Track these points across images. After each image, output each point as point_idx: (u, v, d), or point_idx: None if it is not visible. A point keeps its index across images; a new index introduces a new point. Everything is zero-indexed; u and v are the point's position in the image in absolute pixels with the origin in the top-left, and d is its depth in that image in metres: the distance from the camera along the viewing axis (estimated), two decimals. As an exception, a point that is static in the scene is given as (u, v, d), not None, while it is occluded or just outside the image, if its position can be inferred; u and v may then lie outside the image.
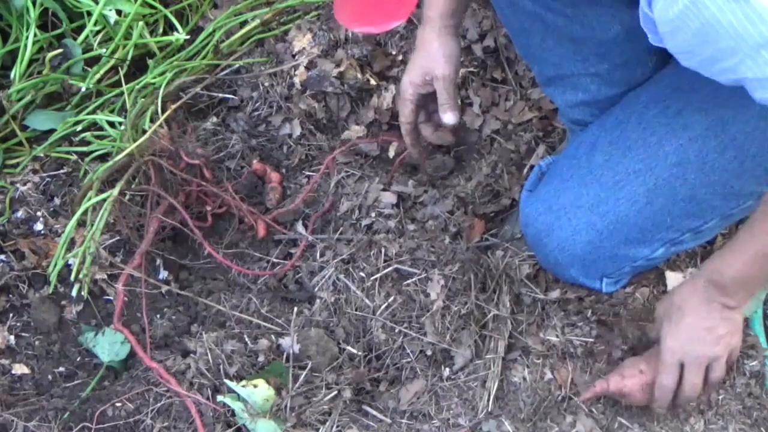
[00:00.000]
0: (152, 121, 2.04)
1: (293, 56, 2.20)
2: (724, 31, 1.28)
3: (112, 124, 2.09)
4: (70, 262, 1.96)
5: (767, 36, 1.26)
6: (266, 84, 2.18)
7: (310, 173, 2.09)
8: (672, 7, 1.30)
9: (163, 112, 2.00)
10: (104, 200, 1.94)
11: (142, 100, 2.08)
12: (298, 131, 2.16)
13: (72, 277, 1.94)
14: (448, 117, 1.89)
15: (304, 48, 2.19)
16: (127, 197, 1.96)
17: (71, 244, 1.98)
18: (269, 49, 2.23)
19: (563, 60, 1.78)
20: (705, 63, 1.37)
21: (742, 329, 1.76)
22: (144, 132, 1.97)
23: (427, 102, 1.93)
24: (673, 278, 1.92)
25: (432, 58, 1.87)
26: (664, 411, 1.77)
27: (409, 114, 1.93)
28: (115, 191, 1.93)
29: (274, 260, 2.00)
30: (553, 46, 1.75)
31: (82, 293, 1.95)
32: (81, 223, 1.97)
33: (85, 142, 2.10)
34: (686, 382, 1.71)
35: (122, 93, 2.10)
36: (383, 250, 1.91)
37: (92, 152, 2.08)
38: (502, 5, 1.81)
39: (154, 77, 2.13)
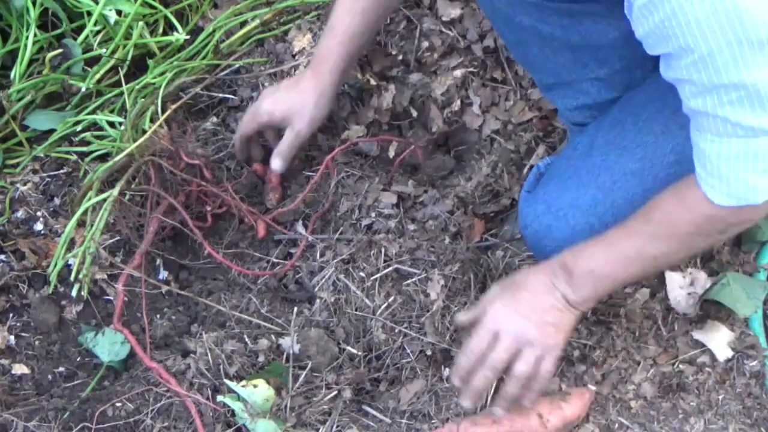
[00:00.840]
0: (152, 121, 2.04)
1: (293, 56, 2.20)
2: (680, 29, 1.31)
3: (112, 124, 2.09)
4: (70, 262, 1.96)
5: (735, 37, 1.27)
6: (266, 84, 2.18)
7: (310, 173, 2.09)
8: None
9: (163, 112, 2.01)
10: (104, 200, 1.94)
11: (142, 100, 2.08)
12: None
13: (72, 277, 1.94)
14: (276, 164, 2.00)
15: (304, 48, 2.19)
16: (127, 197, 1.96)
17: (71, 244, 1.98)
18: (269, 49, 2.23)
19: (562, 68, 1.78)
20: (665, 57, 1.40)
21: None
22: (144, 132, 1.97)
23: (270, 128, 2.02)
24: (672, 278, 1.92)
25: (302, 109, 1.94)
26: (457, 383, 1.69)
27: (249, 131, 2.02)
28: (115, 191, 1.93)
29: (274, 260, 2.00)
30: (551, 56, 1.75)
31: (82, 293, 1.95)
32: (81, 223, 1.97)
33: (85, 142, 2.10)
34: (494, 354, 1.63)
35: (122, 93, 2.10)
36: (383, 250, 1.91)
37: (92, 152, 2.08)
38: (497, 20, 1.81)
39: (154, 77, 2.13)
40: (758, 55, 1.30)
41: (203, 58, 2.19)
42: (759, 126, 1.36)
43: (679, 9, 1.30)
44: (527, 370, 1.64)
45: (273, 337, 1.87)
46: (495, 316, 1.65)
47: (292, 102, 1.98)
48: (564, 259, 1.64)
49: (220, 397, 1.75)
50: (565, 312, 1.64)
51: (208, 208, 2.00)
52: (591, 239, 1.64)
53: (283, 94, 2.00)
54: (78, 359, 1.93)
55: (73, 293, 1.95)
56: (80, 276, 1.93)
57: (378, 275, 1.89)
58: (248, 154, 2.09)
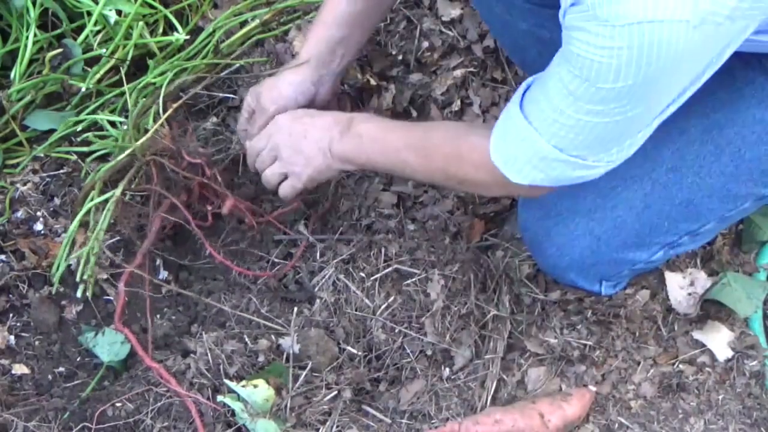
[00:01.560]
0: (154, 120, 2.03)
1: (293, 56, 2.19)
2: None
3: (113, 124, 2.09)
4: (70, 263, 1.96)
5: None
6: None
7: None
8: None
9: (163, 111, 2.00)
10: (106, 200, 1.94)
11: (143, 100, 2.08)
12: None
13: (77, 278, 1.94)
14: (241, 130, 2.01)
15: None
16: (128, 197, 1.96)
17: (73, 244, 1.98)
18: (269, 49, 2.23)
19: None
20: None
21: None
22: (146, 131, 1.97)
23: None
24: (672, 278, 1.92)
25: (283, 100, 1.92)
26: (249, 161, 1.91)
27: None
28: (118, 191, 1.93)
29: (275, 260, 2.00)
30: (549, 59, 1.75)
31: (87, 294, 1.95)
32: (82, 224, 1.97)
33: (85, 142, 2.10)
34: (262, 155, 1.86)
35: (122, 93, 2.10)
36: (383, 250, 1.91)
37: (93, 152, 2.08)
38: (494, 24, 1.81)
39: (155, 77, 2.13)
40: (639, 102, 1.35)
41: (203, 58, 2.19)
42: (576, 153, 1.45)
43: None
44: (270, 181, 1.88)
45: (273, 337, 1.87)
46: (275, 125, 1.84)
47: (297, 94, 1.93)
48: (353, 116, 1.78)
49: (220, 397, 1.75)
50: (322, 155, 1.78)
51: (209, 208, 1.99)
52: (385, 121, 1.83)
53: (278, 82, 1.94)
54: (78, 359, 1.93)
55: (78, 294, 1.95)
56: (85, 277, 1.93)
57: (378, 275, 1.89)
58: None
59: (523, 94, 1.50)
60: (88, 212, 1.95)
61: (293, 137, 1.81)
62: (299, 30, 2.21)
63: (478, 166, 1.58)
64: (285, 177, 1.86)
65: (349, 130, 1.76)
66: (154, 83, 2.13)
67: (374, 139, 1.74)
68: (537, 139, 1.46)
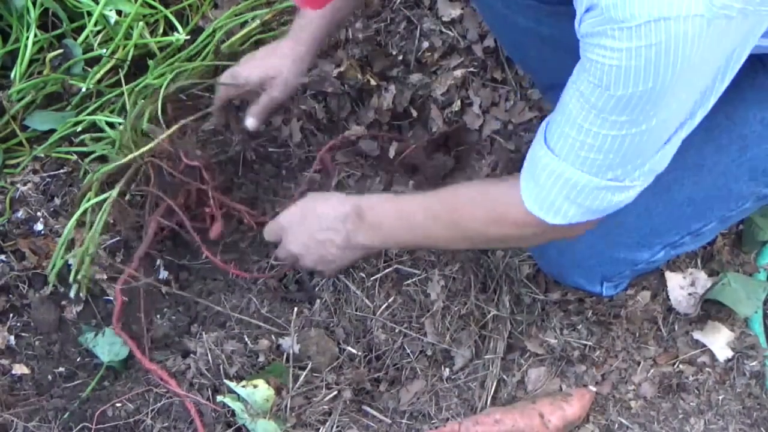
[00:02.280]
0: (151, 122, 2.03)
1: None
2: None
3: (111, 125, 2.09)
4: (70, 262, 1.96)
5: None
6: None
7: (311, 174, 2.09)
8: None
9: (163, 113, 2.00)
10: (103, 201, 1.93)
11: (142, 101, 2.08)
12: (298, 132, 2.16)
13: (71, 278, 1.94)
14: (250, 122, 2.00)
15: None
16: (127, 198, 1.96)
17: (71, 244, 1.98)
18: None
19: (561, 69, 1.77)
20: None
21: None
22: (143, 133, 1.96)
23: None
24: (673, 279, 1.92)
25: (278, 75, 1.94)
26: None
27: (227, 97, 2.01)
28: (115, 192, 1.92)
29: (273, 261, 2.00)
30: (549, 57, 1.75)
31: (81, 294, 1.95)
32: (81, 224, 1.97)
33: (86, 143, 2.10)
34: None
35: (122, 93, 2.10)
36: (383, 250, 1.91)
37: (92, 152, 2.08)
38: (494, 22, 1.81)
39: (155, 78, 2.13)
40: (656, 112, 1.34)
41: (203, 58, 2.19)
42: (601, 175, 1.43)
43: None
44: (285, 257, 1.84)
45: (273, 337, 1.87)
46: (290, 241, 1.79)
47: (269, 68, 1.96)
48: (360, 205, 1.72)
49: (220, 398, 1.75)
50: (345, 250, 1.75)
51: (207, 210, 1.99)
52: (387, 195, 1.78)
53: (259, 60, 1.98)
54: (78, 359, 1.92)
55: (72, 294, 1.95)
56: (78, 277, 1.93)
57: (378, 275, 1.89)
58: (226, 120, 2.08)
59: (545, 131, 1.48)
60: (85, 213, 1.95)
61: (312, 249, 1.78)
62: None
63: (519, 223, 1.54)
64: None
65: (362, 220, 1.71)
66: (154, 84, 2.13)
67: (394, 224, 1.70)
68: (567, 170, 1.44)
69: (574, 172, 1.44)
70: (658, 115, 1.35)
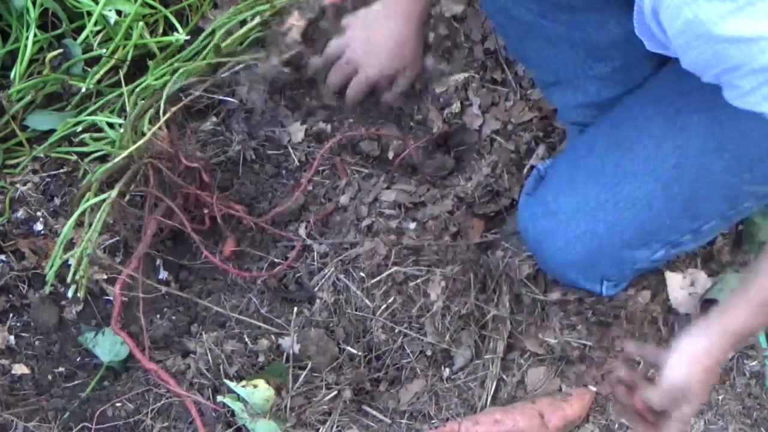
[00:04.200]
0: (151, 122, 2.03)
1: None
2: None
3: (111, 126, 2.09)
4: (70, 262, 1.96)
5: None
6: (266, 84, 2.18)
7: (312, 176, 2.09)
8: (675, 21, 1.29)
9: (162, 114, 2.00)
10: (102, 201, 1.93)
11: (142, 101, 2.08)
12: (298, 133, 2.16)
13: (69, 279, 1.94)
14: (387, 96, 2.01)
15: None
16: (126, 198, 1.96)
17: (70, 244, 1.98)
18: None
19: (562, 65, 1.78)
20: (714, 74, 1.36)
21: None
22: (143, 134, 1.97)
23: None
24: (673, 279, 1.92)
25: (409, 58, 1.96)
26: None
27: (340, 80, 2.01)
28: (114, 193, 1.92)
29: (274, 260, 2.00)
30: (551, 53, 1.75)
31: (78, 295, 1.94)
32: (80, 224, 1.97)
33: (85, 143, 2.10)
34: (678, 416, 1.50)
35: (122, 94, 2.10)
36: (383, 250, 1.91)
37: (92, 153, 2.08)
38: (496, 16, 1.81)
39: (156, 78, 2.13)
40: None
41: (203, 58, 2.19)
42: None
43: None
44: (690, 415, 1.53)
45: (273, 337, 1.87)
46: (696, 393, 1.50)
47: (397, 61, 1.98)
48: (721, 334, 1.51)
49: (220, 398, 1.75)
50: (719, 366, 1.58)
51: (206, 211, 1.99)
52: (729, 303, 1.55)
53: (388, 58, 1.99)
54: (78, 359, 1.93)
55: (70, 294, 1.95)
56: (77, 277, 1.93)
57: (378, 275, 1.89)
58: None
59: None
60: (83, 213, 1.95)
61: (705, 380, 1.50)
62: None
63: None
64: None
65: (732, 346, 1.52)
66: (154, 85, 2.13)
67: (754, 323, 1.52)
68: None
69: None
70: None
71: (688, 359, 1.50)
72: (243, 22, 2.24)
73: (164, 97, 2.02)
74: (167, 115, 1.96)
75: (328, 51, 2.03)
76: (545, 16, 1.68)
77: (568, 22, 1.68)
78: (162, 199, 1.92)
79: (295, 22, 2.08)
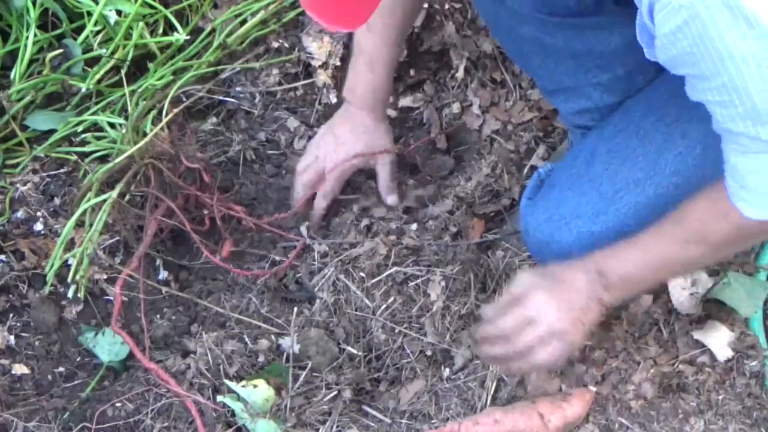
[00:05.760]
0: (153, 123, 2.03)
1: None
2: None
3: (112, 125, 2.09)
4: (70, 262, 1.96)
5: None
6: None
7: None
8: (670, 20, 1.30)
9: (165, 114, 2.00)
10: (103, 202, 1.93)
11: (144, 102, 2.08)
12: (298, 132, 2.17)
13: (69, 279, 1.94)
14: (392, 199, 2.03)
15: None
16: (127, 198, 1.96)
17: (71, 244, 1.98)
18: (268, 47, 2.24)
19: (564, 75, 1.78)
20: (691, 78, 1.40)
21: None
22: (145, 134, 1.97)
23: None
24: (673, 280, 1.92)
25: (377, 139, 1.98)
26: (475, 341, 1.75)
27: (338, 190, 2.03)
28: (115, 193, 1.92)
29: (275, 257, 2.00)
30: (553, 65, 1.75)
31: (79, 295, 1.94)
32: (80, 224, 1.97)
33: (85, 143, 2.10)
34: (524, 337, 1.64)
35: (124, 94, 2.10)
36: (383, 250, 1.91)
37: (92, 152, 2.08)
38: (498, 30, 1.81)
39: (158, 79, 2.13)
40: None
41: (207, 58, 2.19)
42: None
43: (709, 41, 1.29)
44: (549, 360, 1.66)
45: (273, 337, 1.87)
46: (536, 304, 1.65)
47: (371, 146, 2.01)
48: (598, 262, 1.64)
49: (220, 397, 1.75)
50: (596, 312, 1.66)
51: (206, 212, 1.99)
52: (623, 242, 1.64)
53: (356, 144, 2.01)
54: (78, 359, 1.93)
55: (70, 294, 1.95)
56: (77, 278, 1.93)
57: (378, 275, 1.89)
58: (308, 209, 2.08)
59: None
60: (84, 213, 1.95)
61: (566, 312, 1.64)
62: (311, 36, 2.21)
63: (747, 227, 1.50)
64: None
65: (607, 280, 1.63)
66: (155, 85, 2.13)
67: (639, 268, 1.62)
68: (758, 160, 1.41)
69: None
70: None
71: (533, 274, 1.69)
72: (243, 22, 2.24)
73: (168, 97, 2.02)
74: (170, 116, 1.96)
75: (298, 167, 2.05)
76: (548, 32, 1.68)
77: (571, 38, 1.68)
78: (162, 200, 1.92)
79: None
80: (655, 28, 1.35)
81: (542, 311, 1.65)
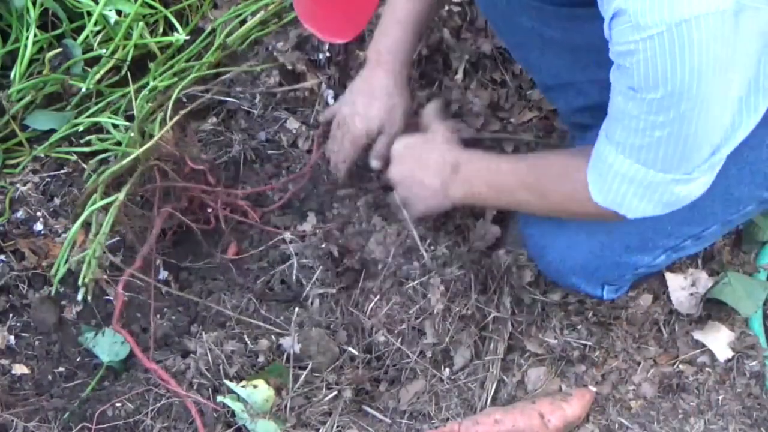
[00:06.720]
0: (158, 125, 2.03)
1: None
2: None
3: (115, 126, 2.09)
4: (71, 264, 1.96)
5: None
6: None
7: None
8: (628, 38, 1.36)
9: (169, 117, 2.00)
10: (109, 204, 1.93)
11: (148, 104, 2.08)
12: (299, 132, 2.17)
13: (79, 282, 1.93)
14: (376, 164, 1.99)
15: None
16: (129, 200, 1.96)
17: (72, 245, 1.97)
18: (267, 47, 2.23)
19: (563, 69, 1.78)
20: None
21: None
22: (151, 136, 1.96)
23: None
24: (674, 279, 1.92)
25: (393, 115, 1.95)
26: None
27: (353, 160, 2.00)
28: (122, 195, 1.92)
29: (275, 257, 2.00)
30: (552, 58, 1.75)
31: (88, 297, 1.95)
32: (82, 224, 1.97)
33: (86, 143, 2.10)
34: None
35: (124, 95, 2.10)
36: (383, 250, 1.91)
37: (93, 152, 2.08)
38: (497, 22, 1.81)
39: (161, 81, 2.13)
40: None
41: (207, 58, 2.19)
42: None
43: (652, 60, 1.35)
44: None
45: (273, 337, 1.87)
46: (395, 169, 1.87)
47: (381, 112, 1.96)
48: (459, 159, 1.80)
49: (220, 398, 1.75)
50: (436, 197, 1.82)
51: (210, 211, 1.99)
52: (487, 155, 1.84)
53: (367, 108, 1.96)
54: (78, 359, 1.93)
55: (79, 297, 1.95)
56: (86, 280, 1.93)
57: (378, 275, 1.89)
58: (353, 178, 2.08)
59: (606, 133, 1.53)
60: (89, 214, 1.95)
61: (408, 183, 1.86)
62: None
63: (601, 212, 1.59)
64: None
65: (457, 173, 1.79)
66: (157, 86, 2.13)
67: (486, 183, 1.77)
68: (632, 169, 1.49)
69: (641, 170, 1.48)
70: (702, 113, 1.38)
71: (405, 147, 1.89)
72: (243, 22, 2.24)
73: (172, 99, 2.02)
74: (176, 118, 1.95)
75: (325, 115, 2.07)
76: (546, 24, 1.68)
77: (570, 29, 1.68)
78: (167, 201, 1.93)
79: None
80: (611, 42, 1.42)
81: (402, 188, 1.87)
